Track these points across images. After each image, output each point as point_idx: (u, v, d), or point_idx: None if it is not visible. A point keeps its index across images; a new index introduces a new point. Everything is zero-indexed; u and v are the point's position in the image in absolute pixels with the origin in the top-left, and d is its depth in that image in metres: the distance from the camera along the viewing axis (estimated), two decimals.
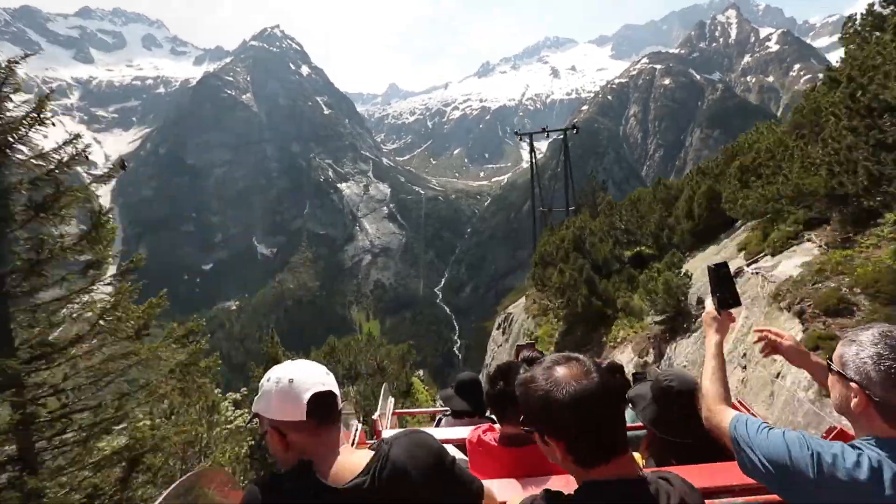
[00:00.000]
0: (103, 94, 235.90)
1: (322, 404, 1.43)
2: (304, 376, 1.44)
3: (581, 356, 1.32)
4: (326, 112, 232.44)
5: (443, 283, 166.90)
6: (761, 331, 1.92)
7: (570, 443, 1.23)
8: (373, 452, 1.44)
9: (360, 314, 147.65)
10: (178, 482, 1.57)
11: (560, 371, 1.25)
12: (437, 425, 3.72)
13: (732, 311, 1.88)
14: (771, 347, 1.89)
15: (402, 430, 1.81)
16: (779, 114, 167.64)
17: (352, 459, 1.42)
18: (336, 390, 1.47)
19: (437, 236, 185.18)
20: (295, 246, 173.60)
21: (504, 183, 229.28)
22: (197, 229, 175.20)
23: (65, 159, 4.68)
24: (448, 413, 3.63)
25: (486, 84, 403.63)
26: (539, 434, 1.28)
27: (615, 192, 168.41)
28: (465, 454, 2.34)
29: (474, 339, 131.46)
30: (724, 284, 1.88)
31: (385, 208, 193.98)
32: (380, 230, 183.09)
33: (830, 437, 1.90)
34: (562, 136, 43.35)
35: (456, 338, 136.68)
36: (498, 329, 29.45)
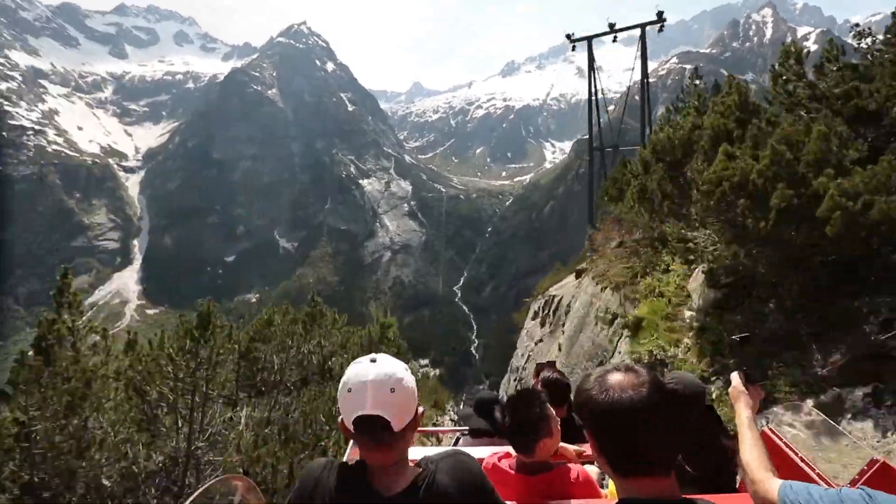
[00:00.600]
0: (136, 89, 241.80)
1: (366, 430, 1.44)
2: (364, 387, 1.43)
3: (646, 371, 1.29)
4: (350, 109, 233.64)
5: (462, 281, 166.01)
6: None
7: (601, 445, 1.25)
8: (420, 469, 1.48)
9: (378, 310, 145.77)
10: (203, 487, 1.67)
11: (613, 377, 1.26)
12: (455, 444, 3.59)
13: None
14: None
15: (447, 449, 1.82)
16: None
17: (401, 471, 1.47)
18: (395, 408, 1.43)
19: (457, 234, 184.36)
20: (316, 240, 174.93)
21: (527, 183, 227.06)
22: (221, 221, 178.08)
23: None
24: (466, 432, 3.54)
25: (511, 83, 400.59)
26: (586, 429, 1.31)
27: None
28: None
29: (494, 338, 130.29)
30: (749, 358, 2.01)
31: (406, 205, 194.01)
32: (400, 227, 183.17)
33: (872, 470, 1.82)
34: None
35: (474, 337, 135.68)
36: (535, 319, 22.36)
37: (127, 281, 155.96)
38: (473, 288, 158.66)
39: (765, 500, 1.46)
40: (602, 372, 1.30)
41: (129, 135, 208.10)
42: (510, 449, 2.33)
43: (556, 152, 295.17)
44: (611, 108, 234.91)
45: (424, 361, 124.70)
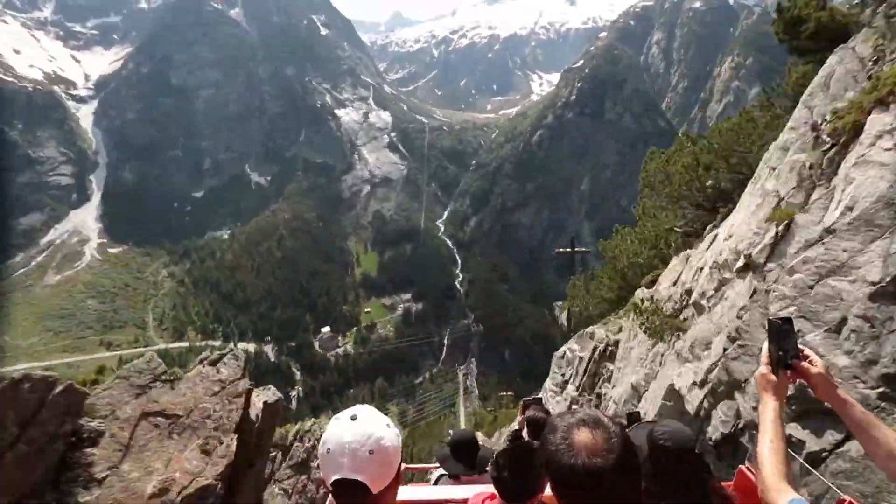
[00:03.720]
0: (80, 8, 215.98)
1: (344, 493, 1.42)
2: (342, 449, 1.40)
3: (612, 423, 1.25)
4: (324, 33, 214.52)
5: (445, 216, 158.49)
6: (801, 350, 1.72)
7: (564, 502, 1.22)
8: None
9: (358, 246, 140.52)
10: None
11: (581, 436, 1.20)
12: (436, 482, 3.56)
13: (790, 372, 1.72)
14: (798, 373, 1.70)
15: None
16: None
17: None
18: (374, 470, 1.40)
19: (440, 168, 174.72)
20: (290, 174, 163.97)
21: (513, 116, 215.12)
22: (185, 155, 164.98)
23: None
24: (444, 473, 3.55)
25: (497, 11, 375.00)
26: (557, 496, 1.26)
27: (633, 125, 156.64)
28: None
29: (478, 272, 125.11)
30: (786, 341, 1.71)
31: (386, 137, 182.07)
32: (380, 160, 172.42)
33: None
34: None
35: (458, 272, 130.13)
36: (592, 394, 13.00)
37: (85, 219, 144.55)
38: (457, 223, 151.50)
39: None
40: (567, 426, 1.24)
41: (77, 60, 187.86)
42: (493, 489, 2.31)
43: (544, 84, 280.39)
44: (602, 34, 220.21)
45: (407, 296, 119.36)
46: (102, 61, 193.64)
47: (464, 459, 3.31)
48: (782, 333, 1.67)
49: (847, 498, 1.76)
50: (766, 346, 1.75)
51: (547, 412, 3.48)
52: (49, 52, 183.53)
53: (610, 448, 1.15)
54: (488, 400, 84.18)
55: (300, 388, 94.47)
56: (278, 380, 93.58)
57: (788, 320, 1.70)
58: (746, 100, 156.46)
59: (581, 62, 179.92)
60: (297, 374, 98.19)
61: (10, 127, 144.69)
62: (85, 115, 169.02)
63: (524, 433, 3.68)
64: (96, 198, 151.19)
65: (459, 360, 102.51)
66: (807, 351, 1.69)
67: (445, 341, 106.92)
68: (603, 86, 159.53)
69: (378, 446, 1.39)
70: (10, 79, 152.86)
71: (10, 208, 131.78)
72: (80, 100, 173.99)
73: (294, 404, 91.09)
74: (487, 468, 3.16)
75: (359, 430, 1.41)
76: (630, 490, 1.16)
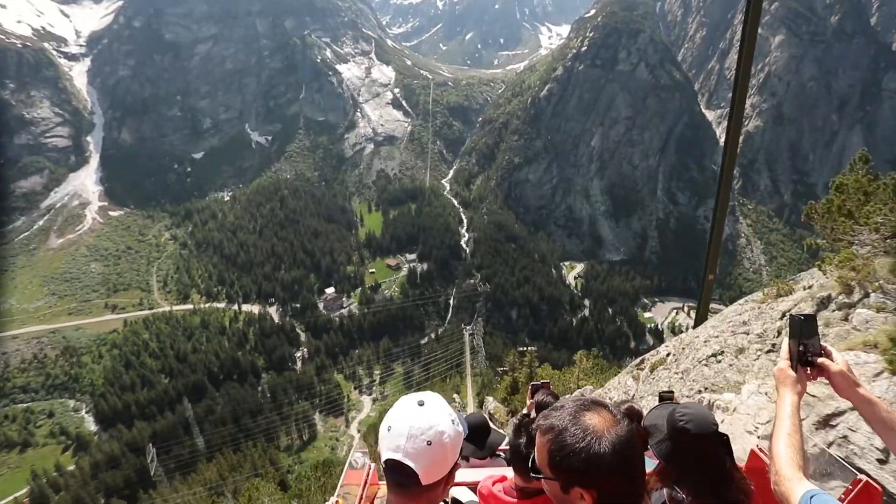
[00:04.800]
0: None
1: (393, 474, 1.45)
2: (402, 431, 1.41)
3: (601, 400, 1.32)
4: None
5: (451, 174, 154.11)
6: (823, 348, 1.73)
7: (605, 495, 1.22)
8: None
9: (362, 206, 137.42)
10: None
11: (592, 420, 1.23)
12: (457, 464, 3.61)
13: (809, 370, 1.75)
14: (819, 370, 1.71)
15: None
16: None
17: None
18: (428, 461, 1.40)
19: (445, 125, 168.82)
20: (291, 133, 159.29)
21: (521, 71, 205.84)
22: (183, 114, 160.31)
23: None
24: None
25: None
26: (564, 483, 1.27)
27: (648, 77, 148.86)
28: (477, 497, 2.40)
29: (484, 231, 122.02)
30: (809, 338, 1.72)
31: (389, 94, 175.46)
32: (383, 117, 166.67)
33: (856, 489, 1.78)
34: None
35: (464, 231, 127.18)
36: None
37: (84, 181, 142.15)
38: (463, 181, 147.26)
39: (784, 499, 1.41)
40: (570, 417, 1.27)
41: (66, 15, 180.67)
42: (503, 471, 2.38)
43: (553, 37, 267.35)
44: None
45: (412, 256, 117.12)
46: (93, 16, 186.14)
47: (475, 441, 3.38)
48: (805, 330, 1.66)
49: (863, 478, 1.78)
50: (786, 341, 1.76)
51: (556, 396, 3.47)
52: (36, 6, 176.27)
53: (618, 422, 1.21)
54: (494, 360, 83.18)
55: (305, 349, 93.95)
56: (283, 341, 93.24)
57: (812, 317, 1.69)
58: (769, 49, 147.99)
59: (594, 11, 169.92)
60: (302, 335, 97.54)
61: (2, 87, 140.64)
62: (78, 74, 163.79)
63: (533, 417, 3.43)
64: (94, 160, 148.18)
65: (465, 320, 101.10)
66: (829, 348, 1.68)
67: (451, 301, 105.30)
68: (617, 34, 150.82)
69: (437, 439, 1.40)
70: None
71: (10, 171, 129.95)
72: (73, 57, 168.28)
73: (299, 365, 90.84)
74: (497, 452, 3.49)
75: (423, 417, 1.42)
76: (642, 460, 1.23)
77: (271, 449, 68.15)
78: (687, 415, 2.07)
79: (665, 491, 2.10)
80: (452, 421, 1.46)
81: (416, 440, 1.38)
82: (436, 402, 1.49)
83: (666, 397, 2.82)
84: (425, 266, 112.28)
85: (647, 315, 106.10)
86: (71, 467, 65.45)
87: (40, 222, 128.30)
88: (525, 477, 2.15)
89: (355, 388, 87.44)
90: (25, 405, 79.81)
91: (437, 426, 1.41)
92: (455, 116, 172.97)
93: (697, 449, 2.02)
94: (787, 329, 1.76)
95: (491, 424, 3.73)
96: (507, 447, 2.28)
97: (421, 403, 1.45)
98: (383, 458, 1.42)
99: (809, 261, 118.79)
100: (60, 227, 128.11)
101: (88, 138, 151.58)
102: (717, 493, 1.95)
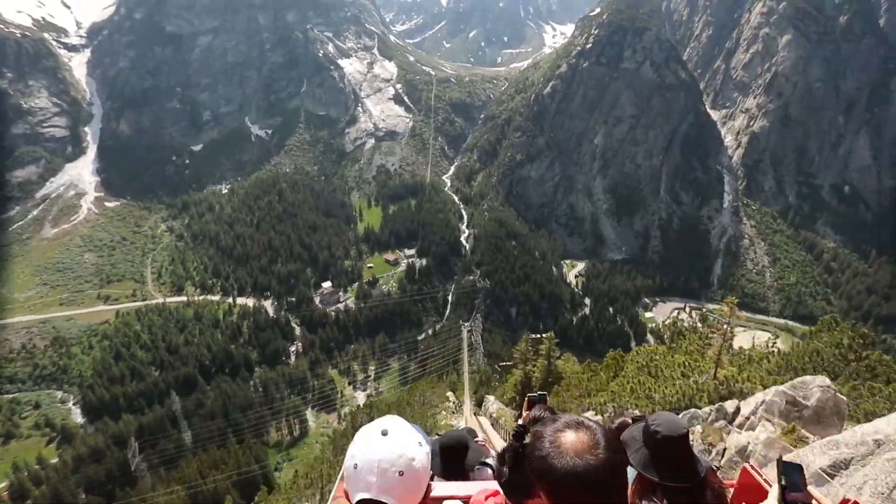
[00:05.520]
0: None
1: None
2: (371, 468, 1.34)
3: (595, 425, 1.33)
4: None
5: (452, 170, 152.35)
6: None
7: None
8: None
9: (362, 200, 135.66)
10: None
11: (567, 438, 1.25)
12: (432, 478, 3.54)
13: None
14: None
15: None
16: None
17: None
18: (403, 492, 1.35)
19: (447, 121, 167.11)
20: (292, 127, 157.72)
21: (524, 69, 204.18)
22: (183, 106, 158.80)
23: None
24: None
25: None
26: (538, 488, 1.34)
27: (653, 75, 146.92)
28: None
29: (485, 228, 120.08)
30: (794, 480, 1.83)
31: (391, 89, 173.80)
32: (385, 112, 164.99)
33: None
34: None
35: (464, 228, 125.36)
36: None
37: (81, 172, 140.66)
38: (464, 177, 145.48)
39: None
40: (552, 430, 1.29)
41: (68, 6, 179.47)
42: (494, 485, 2.35)
43: (558, 36, 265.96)
44: None
45: (411, 252, 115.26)
46: (94, 7, 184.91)
47: (447, 465, 3.30)
48: (791, 473, 1.77)
49: (851, 498, 1.84)
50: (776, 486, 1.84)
51: (553, 410, 3.34)
52: None
53: (595, 445, 1.21)
54: (493, 357, 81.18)
55: (299, 344, 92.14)
56: (277, 335, 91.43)
57: (799, 466, 1.81)
58: (776, 49, 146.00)
59: (599, 9, 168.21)
60: (297, 329, 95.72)
61: (1, 76, 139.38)
62: (78, 65, 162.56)
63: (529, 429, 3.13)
64: (92, 150, 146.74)
65: (464, 316, 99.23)
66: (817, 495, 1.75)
67: (450, 297, 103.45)
68: (622, 32, 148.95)
69: (409, 468, 1.35)
70: None
71: (5, 160, 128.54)
72: (73, 48, 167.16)
73: (293, 359, 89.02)
74: (477, 467, 3.35)
75: (390, 448, 1.36)
76: (621, 483, 1.21)
77: (258, 445, 66.27)
78: (658, 421, 2.15)
79: (644, 503, 2.12)
80: (419, 443, 1.42)
81: (386, 474, 1.32)
82: (399, 427, 1.42)
83: (639, 419, 2.75)
84: (424, 262, 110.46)
85: (648, 315, 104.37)
86: (54, 460, 63.70)
87: (35, 212, 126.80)
88: (514, 499, 2.11)
89: (349, 384, 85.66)
90: (12, 396, 78.06)
91: (405, 454, 1.36)
92: (457, 113, 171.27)
93: (671, 452, 2.06)
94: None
95: (469, 442, 3.49)
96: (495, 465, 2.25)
97: (385, 433, 1.38)
98: (355, 501, 1.35)
99: (814, 262, 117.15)
100: (55, 217, 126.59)
101: (86, 129, 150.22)
102: (694, 499, 1.99)
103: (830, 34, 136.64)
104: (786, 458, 1.89)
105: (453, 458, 3.32)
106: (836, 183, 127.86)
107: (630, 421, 2.80)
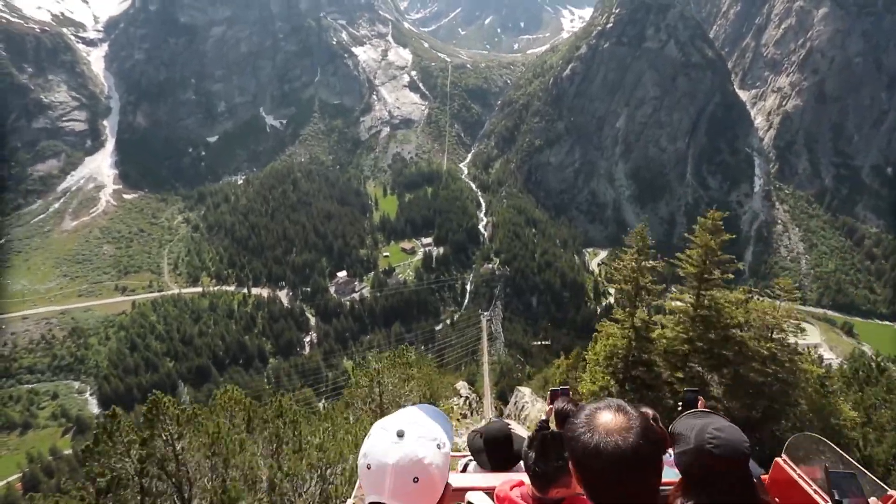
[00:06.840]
0: None
1: None
2: (384, 471, 1.29)
3: (637, 412, 1.31)
4: None
5: (469, 157, 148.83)
6: None
7: (582, 482, 1.28)
8: None
9: (377, 189, 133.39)
10: None
11: (603, 417, 1.26)
12: (464, 470, 3.62)
13: None
14: None
15: None
16: None
17: None
18: (417, 498, 1.31)
19: (464, 107, 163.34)
20: (306, 117, 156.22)
21: (542, 54, 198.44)
22: (198, 98, 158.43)
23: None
24: (472, 459, 3.58)
25: None
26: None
27: (677, 54, 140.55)
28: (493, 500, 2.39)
29: (503, 216, 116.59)
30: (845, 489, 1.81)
31: (406, 76, 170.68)
32: (400, 100, 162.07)
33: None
34: None
35: (482, 215, 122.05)
36: None
37: (100, 165, 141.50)
38: (481, 165, 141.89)
39: None
40: (594, 409, 1.30)
41: (86, 1, 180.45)
42: (522, 476, 2.35)
43: (576, 20, 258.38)
44: None
45: (427, 240, 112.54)
46: (111, 0, 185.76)
47: (495, 457, 3.29)
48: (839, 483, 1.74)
49: (893, 493, 1.76)
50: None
51: (575, 403, 3.34)
52: None
53: (628, 428, 1.19)
54: (514, 346, 78.09)
55: (314, 334, 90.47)
56: (291, 325, 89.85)
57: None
58: (811, 22, 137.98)
59: None
60: (311, 319, 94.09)
61: (21, 71, 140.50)
62: (96, 59, 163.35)
63: (552, 424, 3.47)
64: (110, 144, 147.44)
65: (483, 305, 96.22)
66: None
67: (468, 286, 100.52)
68: (645, 9, 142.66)
69: (425, 472, 1.29)
70: (17, 20, 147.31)
71: (27, 155, 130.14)
72: (91, 42, 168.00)
73: (307, 350, 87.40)
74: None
75: (406, 451, 1.30)
76: (646, 476, 1.17)
77: None
78: (718, 438, 1.85)
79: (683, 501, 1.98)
80: (438, 446, 1.34)
81: (400, 478, 1.27)
82: (418, 426, 1.35)
83: (690, 398, 2.62)
84: (441, 250, 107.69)
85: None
86: (68, 451, 63.15)
87: (56, 205, 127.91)
88: (541, 488, 2.11)
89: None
90: (31, 386, 78.21)
91: (422, 458, 1.29)
92: (474, 99, 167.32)
93: (722, 475, 1.82)
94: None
95: (513, 431, 3.42)
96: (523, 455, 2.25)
97: (401, 434, 1.31)
98: (367, 502, 1.31)
99: (854, 249, 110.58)
100: (75, 209, 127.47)
101: (105, 122, 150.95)
102: None
103: (871, 5, 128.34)
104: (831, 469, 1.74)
105: (499, 450, 3.25)
106: (877, 163, 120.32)
107: (681, 404, 2.62)
